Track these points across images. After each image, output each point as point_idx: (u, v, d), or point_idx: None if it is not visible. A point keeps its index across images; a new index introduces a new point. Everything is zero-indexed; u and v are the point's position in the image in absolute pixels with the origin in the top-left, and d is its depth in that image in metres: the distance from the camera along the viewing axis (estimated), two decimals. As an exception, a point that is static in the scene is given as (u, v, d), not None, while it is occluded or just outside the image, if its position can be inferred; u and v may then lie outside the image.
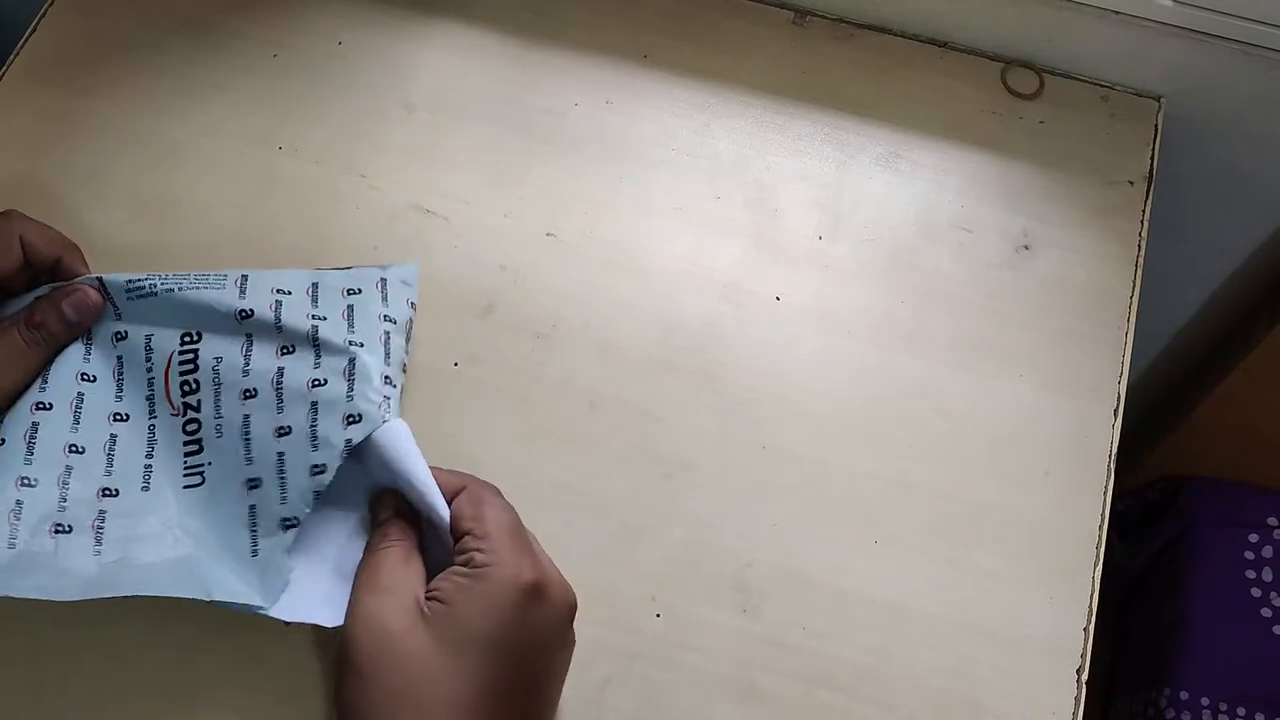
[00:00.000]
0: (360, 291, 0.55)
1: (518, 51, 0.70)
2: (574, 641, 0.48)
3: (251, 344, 0.52)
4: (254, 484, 0.50)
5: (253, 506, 0.50)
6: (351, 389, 0.51)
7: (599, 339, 0.61)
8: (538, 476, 0.57)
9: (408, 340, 0.57)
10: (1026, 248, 0.65)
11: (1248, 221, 0.80)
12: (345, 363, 0.51)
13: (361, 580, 0.46)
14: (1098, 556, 0.56)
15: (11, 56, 0.68)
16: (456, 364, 0.60)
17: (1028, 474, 0.58)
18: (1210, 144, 0.73)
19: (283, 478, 0.49)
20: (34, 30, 0.69)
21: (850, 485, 0.58)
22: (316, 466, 0.49)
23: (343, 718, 0.43)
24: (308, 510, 0.49)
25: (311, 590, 0.49)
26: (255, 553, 0.49)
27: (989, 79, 0.70)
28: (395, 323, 0.55)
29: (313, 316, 0.53)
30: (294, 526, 0.49)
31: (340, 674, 0.44)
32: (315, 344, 0.52)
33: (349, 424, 0.49)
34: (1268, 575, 0.96)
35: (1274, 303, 0.84)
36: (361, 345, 0.52)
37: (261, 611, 0.48)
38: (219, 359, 0.51)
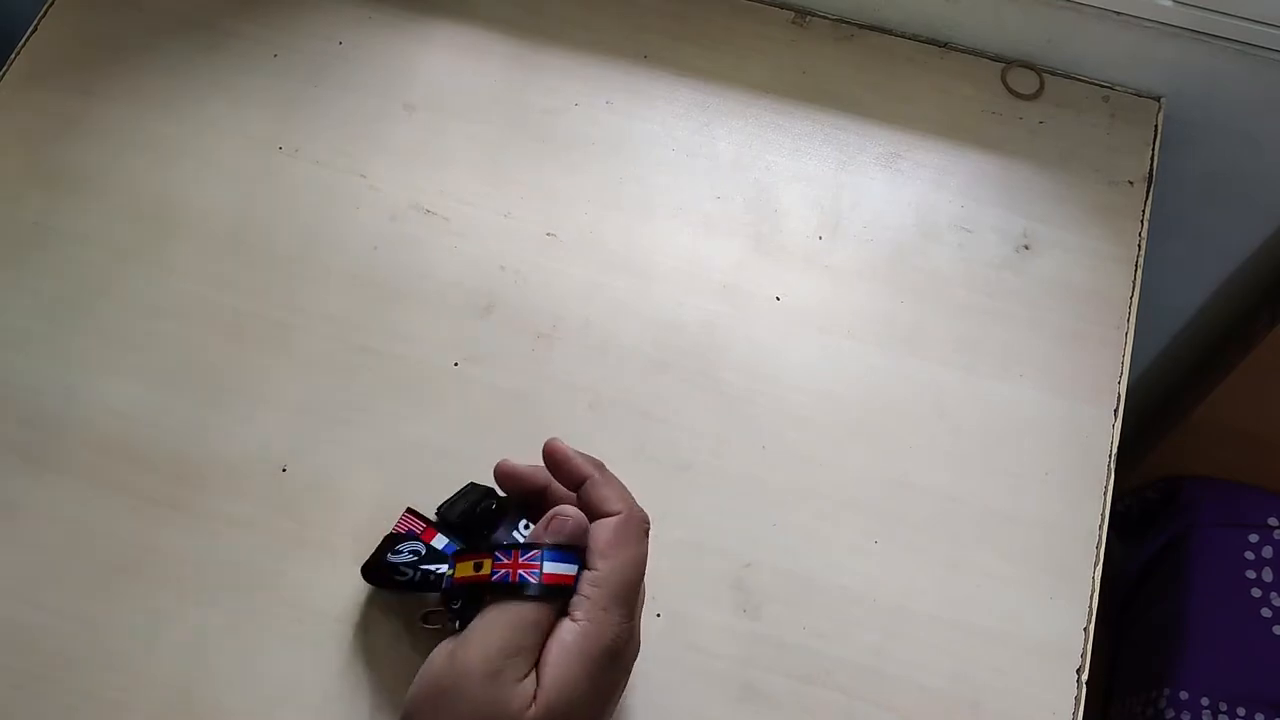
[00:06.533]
0: None
1: (518, 51, 0.70)
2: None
3: None
4: None
5: None
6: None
7: (599, 339, 0.61)
8: (538, 476, 0.57)
9: None
10: (1026, 248, 0.65)
11: (1248, 221, 0.80)
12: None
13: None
14: (1098, 556, 0.56)
15: (12, 56, 0.68)
16: (456, 364, 0.60)
17: (1028, 474, 0.58)
18: (1210, 144, 0.73)
19: None
20: (34, 30, 0.69)
21: (850, 485, 0.58)
22: None
23: None
24: None
25: None
26: None
27: (989, 79, 0.70)
28: None
29: None
30: None
31: None
32: None
33: None
34: (1268, 575, 0.96)
35: (1274, 303, 0.84)
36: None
37: None
38: None
